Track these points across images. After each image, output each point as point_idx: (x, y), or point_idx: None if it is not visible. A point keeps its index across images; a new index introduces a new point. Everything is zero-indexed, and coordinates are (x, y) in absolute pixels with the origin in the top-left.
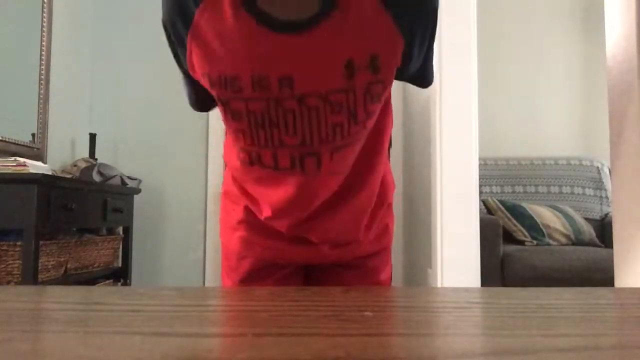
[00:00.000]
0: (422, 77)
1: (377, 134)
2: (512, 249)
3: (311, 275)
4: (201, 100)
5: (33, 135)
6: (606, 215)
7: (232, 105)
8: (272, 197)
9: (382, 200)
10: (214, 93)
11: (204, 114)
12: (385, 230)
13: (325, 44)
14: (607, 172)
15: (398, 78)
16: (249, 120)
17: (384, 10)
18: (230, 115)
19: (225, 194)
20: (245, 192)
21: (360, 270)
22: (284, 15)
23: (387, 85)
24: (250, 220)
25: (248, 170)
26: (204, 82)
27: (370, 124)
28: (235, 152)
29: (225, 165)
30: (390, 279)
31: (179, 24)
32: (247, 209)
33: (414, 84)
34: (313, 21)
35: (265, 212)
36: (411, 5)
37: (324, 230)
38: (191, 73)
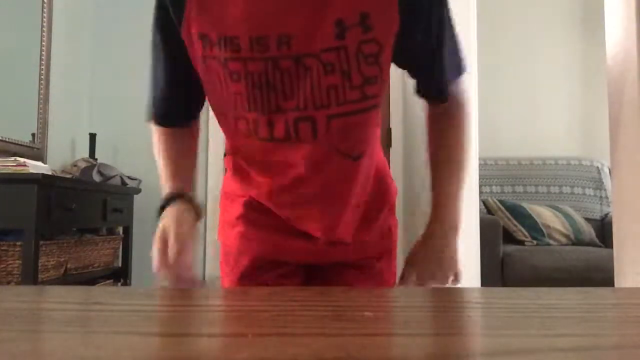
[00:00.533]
0: (437, 77)
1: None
2: (512, 249)
3: (313, 275)
4: (169, 97)
5: (33, 135)
6: (606, 215)
7: (230, 65)
8: (277, 177)
9: (384, 201)
10: (212, 54)
11: (204, 116)
12: (388, 233)
13: (318, 3)
14: (607, 172)
15: (409, 69)
16: (247, 82)
17: None
18: (229, 76)
19: (225, 195)
20: (248, 179)
21: (363, 271)
22: None
23: (382, 46)
24: (249, 216)
25: (249, 150)
26: (197, 47)
27: (371, 91)
28: (235, 133)
29: (226, 170)
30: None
31: None
32: (246, 204)
33: (432, 89)
34: None
35: (268, 193)
36: None
37: (319, 216)
38: (184, 37)
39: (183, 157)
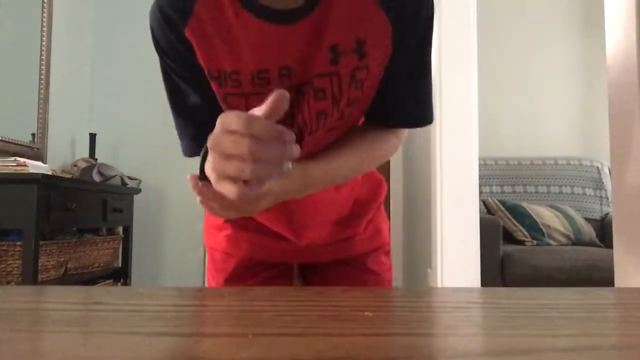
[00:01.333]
0: (411, 100)
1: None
2: (512, 249)
3: (308, 274)
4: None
5: (33, 135)
6: (606, 215)
7: (231, 101)
8: None
9: (375, 196)
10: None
11: None
12: (378, 230)
13: (314, 30)
14: (607, 172)
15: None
16: None
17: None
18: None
19: None
20: None
21: (358, 267)
22: (279, 4)
23: (370, 72)
24: (236, 220)
25: None
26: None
27: (349, 112)
28: None
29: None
30: (391, 282)
31: (174, 18)
32: None
33: (403, 117)
34: (307, 7)
35: None
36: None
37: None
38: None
39: None
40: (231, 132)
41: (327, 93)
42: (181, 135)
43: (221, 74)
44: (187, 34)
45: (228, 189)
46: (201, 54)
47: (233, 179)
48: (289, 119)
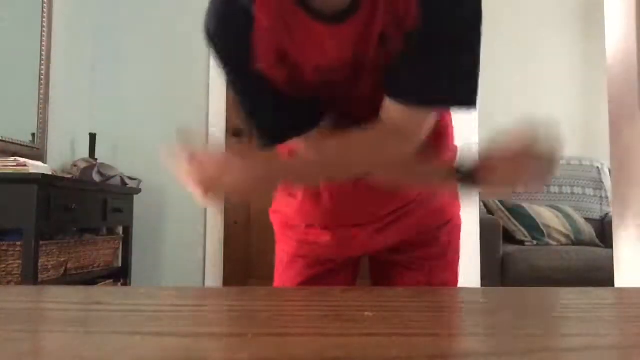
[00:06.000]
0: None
1: None
2: (512, 249)
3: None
4: (278, 110)
5: (33, 135)
6: (606, 215)
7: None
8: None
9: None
10: (280, 74)
11: (203, 112)
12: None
13: (364, 24)
14: (607, 172)
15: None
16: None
17: None
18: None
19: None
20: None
21: (416, 268)
22: (329, 7)
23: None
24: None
25: None
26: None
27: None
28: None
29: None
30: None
31: (238, 25)
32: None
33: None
34: (354, 6)
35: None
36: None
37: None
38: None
39: None
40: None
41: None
42: (260, 124)
43: (286, 62)
44: (256, 37)
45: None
46: (266, 51)
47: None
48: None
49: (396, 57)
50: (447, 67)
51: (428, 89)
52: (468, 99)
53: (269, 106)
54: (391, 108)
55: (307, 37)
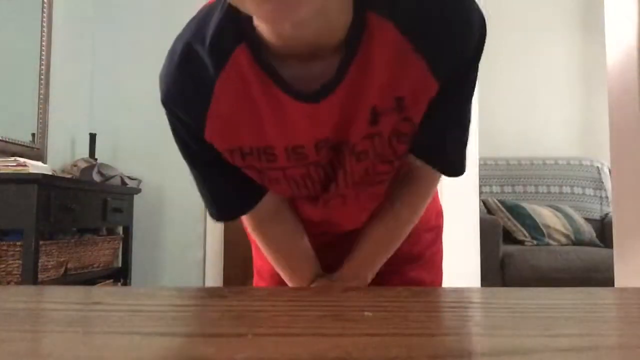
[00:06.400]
0: (440, 147)
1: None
2: (512, 249)
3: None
4: (231, 184)
5: (33, 135)
6: (606, 215)
7: (268, 173)
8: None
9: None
10: (245, 164)
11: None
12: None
13: (349, 98)
14: (607, 172)
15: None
16: (289, 184)
17: (414, 53)
18: (268, 182)
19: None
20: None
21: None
22: (307, 87)
23: (414, 122)
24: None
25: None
26: (228, 158)
27: (398, 165)
28: None
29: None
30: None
31: (195, 101)
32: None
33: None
34: (336, 80)
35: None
36: (446, 49)
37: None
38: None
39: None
40: None
41: (370, 154)
42: (212, 203)
43: (253, 149)
44: (209, 115)
45: None
46: (225, 133)
47: None
48: (328, 180)
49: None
50: (459, 134)
51: (450, 157)
52: (463, 170)
53: (217, 179)
54: (419, 164)
55: (279, 114)
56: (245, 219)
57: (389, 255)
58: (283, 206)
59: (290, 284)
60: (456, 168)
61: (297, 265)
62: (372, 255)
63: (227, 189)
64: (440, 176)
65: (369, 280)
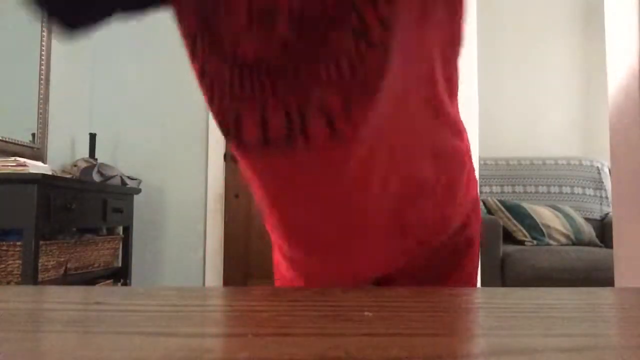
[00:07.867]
0: None
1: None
2: (512, 249)
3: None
4: None
5: (33, 135)
6: (606, 215)
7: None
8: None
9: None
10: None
11: (203, 112)
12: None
13: None
14: (607, 172)
15: None
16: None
17: None
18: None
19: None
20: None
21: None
22: None
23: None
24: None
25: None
26: None
27: (396, 43)
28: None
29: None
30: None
31: None
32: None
33: None
34: None
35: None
36: None
37: None
38: None
39: None
40: None
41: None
42: None
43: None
44: None
45: None
46: None
47: None
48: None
49: None
50: None
51: None
52: None
53: None
54: None
55: None
56: None
57: None
58: None
59: None
60: None
61: None
62: None
63: None
64: None
65: None
